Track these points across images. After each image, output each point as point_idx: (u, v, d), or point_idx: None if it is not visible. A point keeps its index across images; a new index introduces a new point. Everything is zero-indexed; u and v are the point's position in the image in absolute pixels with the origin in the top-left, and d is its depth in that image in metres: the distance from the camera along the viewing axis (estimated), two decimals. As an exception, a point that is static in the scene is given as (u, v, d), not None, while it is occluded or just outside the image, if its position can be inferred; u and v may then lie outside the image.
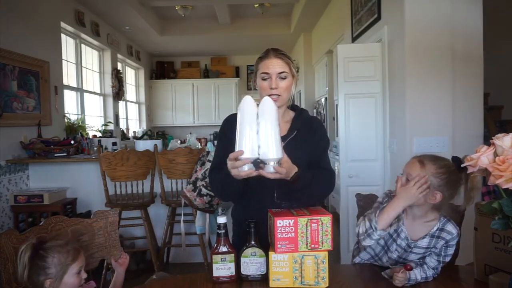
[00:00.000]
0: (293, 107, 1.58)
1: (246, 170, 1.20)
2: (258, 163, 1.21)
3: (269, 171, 1.20)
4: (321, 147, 1.52)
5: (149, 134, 6.43)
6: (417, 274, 1.24)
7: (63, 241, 1.35)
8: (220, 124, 1.58)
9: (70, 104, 4.97)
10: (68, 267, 1.30)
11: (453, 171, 1.19)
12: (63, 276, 1.29)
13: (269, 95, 1.41)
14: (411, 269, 1.20)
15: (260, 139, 1.19)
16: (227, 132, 1.48)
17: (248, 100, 1.22)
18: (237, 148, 1.19)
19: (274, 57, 1.44)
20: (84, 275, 1.35)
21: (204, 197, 2.72)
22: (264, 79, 1.43)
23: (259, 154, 1.19)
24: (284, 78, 1.43)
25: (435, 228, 1.27)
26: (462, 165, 1.06)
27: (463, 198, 1.18)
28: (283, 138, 1.43)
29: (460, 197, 1.22)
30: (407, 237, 1.26)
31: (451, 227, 1.27)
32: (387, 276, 1.25)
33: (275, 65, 1.42)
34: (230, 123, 1.48)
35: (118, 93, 6.26)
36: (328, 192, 1.49)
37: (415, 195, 1.20)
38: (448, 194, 1.21)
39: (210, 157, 2.89)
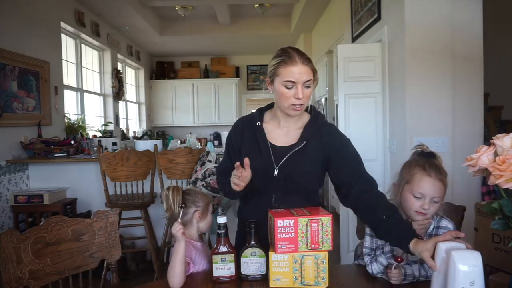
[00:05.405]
0: (308, 108, 1.48)
1: None
2: None
3: None
4: (353, 154, 1.45)
5: (149, 134, 6.44)
6: (414, 271, 1.24)
7: (194, 189, 1.54)
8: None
9: (70, 104, 4.97)
10: (208, 205, 1.48)
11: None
12: (207, 212, 1.46)
13: (292, 105, 1.32)
14: (402, 260, 1.19)
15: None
16: (234, 140, 1.49)
17: None
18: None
19: (301, 64, 1.29)
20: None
21: (204, 197, 2.72)
22: (288, 88, 1.30)
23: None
24: (308, 87, 1.32)
25: (431, 227, 1.28)
26: (461, 165, 1.06)
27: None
28: (291, 147, 1.39)
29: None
30: None
31: (446, 222, 1.29)
32: (385, 277, 1.25)
33: (302, 74, 1.28)
34: (239, 128, 1.49)
35: (118, 93, 6.25)
36: None
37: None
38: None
39: (210, 157, 2.89)
